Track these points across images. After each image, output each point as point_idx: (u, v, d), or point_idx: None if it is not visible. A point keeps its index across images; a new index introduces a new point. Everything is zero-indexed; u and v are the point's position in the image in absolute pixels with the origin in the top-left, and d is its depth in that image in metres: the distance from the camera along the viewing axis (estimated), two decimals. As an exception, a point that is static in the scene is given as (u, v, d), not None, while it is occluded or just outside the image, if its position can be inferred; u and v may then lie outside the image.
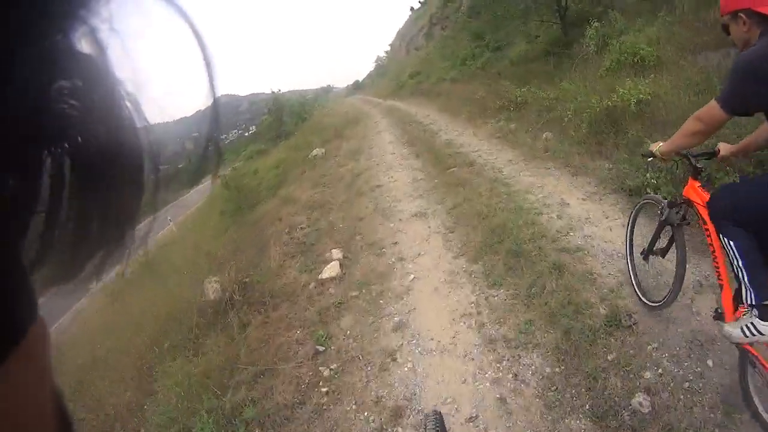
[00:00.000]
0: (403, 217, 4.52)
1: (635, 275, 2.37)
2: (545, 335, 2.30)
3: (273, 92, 20.64)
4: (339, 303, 3.26)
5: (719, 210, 1.59)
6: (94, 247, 0.22)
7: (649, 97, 4.31)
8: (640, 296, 2.28)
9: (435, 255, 3.53)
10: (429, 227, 4.09)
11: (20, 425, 0.18)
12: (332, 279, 3.63)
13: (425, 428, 1.02)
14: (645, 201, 2.32)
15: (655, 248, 2.19)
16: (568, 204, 3.69)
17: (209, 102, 0.24)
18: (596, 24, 6.96)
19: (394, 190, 5.52)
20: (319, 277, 3.69)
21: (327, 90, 73.45)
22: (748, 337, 1.46)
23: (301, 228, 5.21)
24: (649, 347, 2.06)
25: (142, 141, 0.22)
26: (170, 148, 0.32)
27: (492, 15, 10.86)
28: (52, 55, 0.17)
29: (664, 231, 2.13)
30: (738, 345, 1.56)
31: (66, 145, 0.19)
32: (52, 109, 0.18)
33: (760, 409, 1.53)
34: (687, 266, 2.03)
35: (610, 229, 3.13)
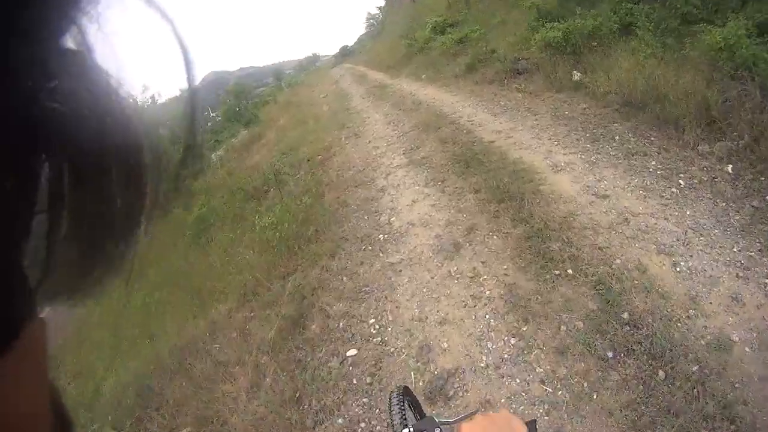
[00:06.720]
0: None
1: None
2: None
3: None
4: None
5: None
6: (96, 252, 0.21)
7: None
8: None
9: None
10: None
11: (17, 425, 0.17)
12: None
13: (390, 405, 0.94)
14: None
15: None
16: None
17: (187, 98, 0.22)
18: None
19: None
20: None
21: (313, 60, 60.86)
22: None
23: None
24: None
25: (142, 140, 0.21)
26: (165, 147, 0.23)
27: None
28: (45, 55, 0.17)
29: None
30: None
31: (63, 146, 0.19)
32: (48, 109, 0.17)
33: None
34: None
35: None
